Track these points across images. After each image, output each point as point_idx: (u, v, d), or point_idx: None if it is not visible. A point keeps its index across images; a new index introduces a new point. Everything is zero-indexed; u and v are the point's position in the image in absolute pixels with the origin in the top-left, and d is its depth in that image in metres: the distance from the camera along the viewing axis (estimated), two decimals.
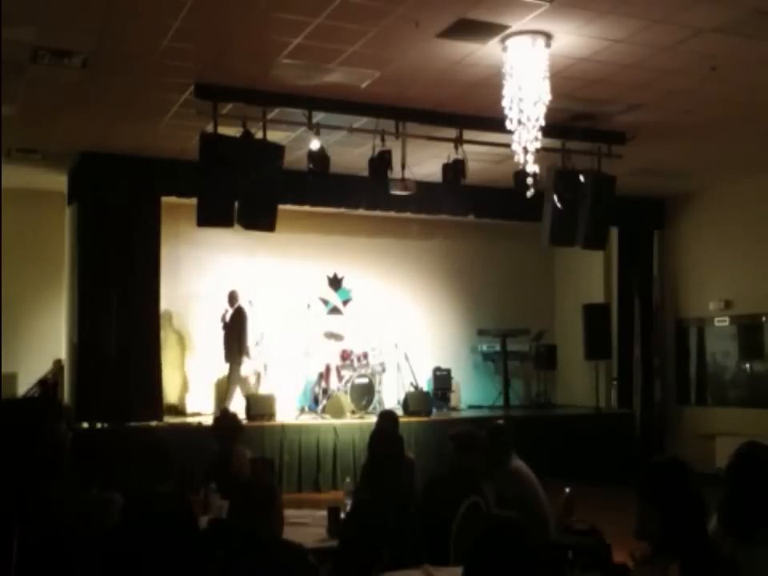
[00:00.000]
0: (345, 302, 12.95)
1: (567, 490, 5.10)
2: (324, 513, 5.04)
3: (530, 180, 7.32)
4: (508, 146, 7.18)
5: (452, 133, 8.65)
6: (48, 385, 10.63)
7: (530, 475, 5.33)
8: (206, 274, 11.84)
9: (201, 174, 7.94)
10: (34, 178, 10.80)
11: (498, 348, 13.47)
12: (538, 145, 6.95)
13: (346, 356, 11.80)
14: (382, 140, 8.40)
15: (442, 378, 12.73)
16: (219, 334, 11.54)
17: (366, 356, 11.80)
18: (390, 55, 7.01)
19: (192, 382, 11.68)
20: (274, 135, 8.35)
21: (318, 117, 8.25)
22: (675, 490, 2.83)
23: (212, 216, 8.06)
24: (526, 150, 6.96)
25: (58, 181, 10.72)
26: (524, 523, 2.67)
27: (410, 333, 12.65)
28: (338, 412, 10.96)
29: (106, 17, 6.20)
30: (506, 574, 2.52)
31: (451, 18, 6.26)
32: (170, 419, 10.51)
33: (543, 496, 5.25)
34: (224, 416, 7.00)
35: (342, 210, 11.36)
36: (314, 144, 8.34)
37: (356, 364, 11.68)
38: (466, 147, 8.68)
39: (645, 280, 12.79)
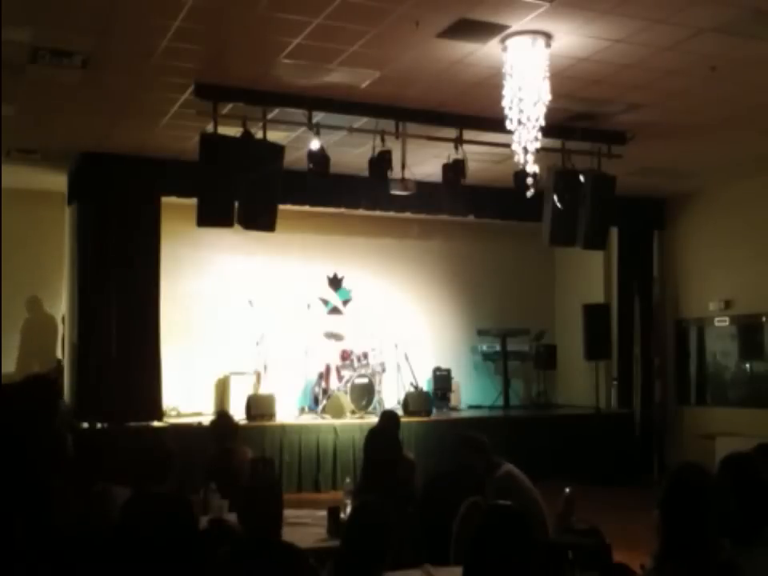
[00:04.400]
0: (345, 302, 12.93)
1: (567, 490, 5.10)
2: (324, 513, 5.05)
3: (530, 180, 7.32)
4: (508, 146, 7.18)
5: (452, 133, 8.64)
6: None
7: (524, 477, 5.34)
8: (206, 274, 11.83)
9: (201, 174, 7.93)
10: (34, 178, 10.79)
11: (498, 348, 13.44)
12: (538, 145, 6.95)
13: (345, 356, 11.79)
14: (382, 140, 8.38)
15: (442, 378, 12.72)
16: (218, 334, 11.56)
17: (366, 356, 11.78)
18: (390, 55, 7.01)
19: (192, 382, 11.67)
20: (274, 135, 8.35)
21: (318, 117, 8.25)
22: (678, 498, 2.83)
23: (212, 216, 8.05)
24: (526, 150, 6.95)
25: (58, 181, 10.71)
26: (523, 510, 2.68)
27: (409, 333, 12.63)
28: (338, 412, 10.96)
29: (105, 17, 6.20)
30: (506, 558, 2.53)
31: (451, 18, 6.26)
32: (169, 419, 10.53)
33: (539, 497, 5.26)
34: (221, 418, 7.05)
35: (342, 210, 11.34)
36: (314, 144, 8.33)
37: (356, 364, 11.67)
38: (466, 147, 8.67)
39: (645, 280, 12.78)
